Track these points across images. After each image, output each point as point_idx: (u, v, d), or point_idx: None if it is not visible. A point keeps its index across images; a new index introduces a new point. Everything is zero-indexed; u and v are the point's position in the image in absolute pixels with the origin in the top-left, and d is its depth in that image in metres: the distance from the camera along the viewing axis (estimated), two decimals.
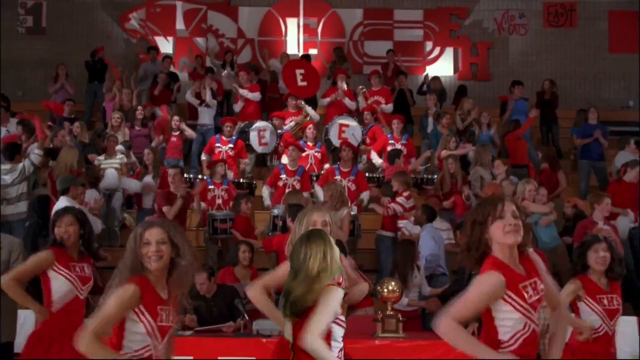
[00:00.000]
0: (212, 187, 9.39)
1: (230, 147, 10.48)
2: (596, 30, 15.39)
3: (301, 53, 14.53)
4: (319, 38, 15.31)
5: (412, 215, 8.57)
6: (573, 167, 12.34)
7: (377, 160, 10.52)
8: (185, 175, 9.46)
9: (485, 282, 3.20)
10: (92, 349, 3.28)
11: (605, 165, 11.41)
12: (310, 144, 10.55)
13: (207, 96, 11.89)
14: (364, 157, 11.01)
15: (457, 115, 11.81)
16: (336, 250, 3.81)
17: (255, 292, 4.16)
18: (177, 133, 11.16)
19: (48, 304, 4.77)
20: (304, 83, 11.90)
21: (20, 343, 5.90)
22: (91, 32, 15.02)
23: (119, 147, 10.18)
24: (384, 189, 9.43)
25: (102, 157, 9.88)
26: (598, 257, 4.83)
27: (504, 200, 3.30)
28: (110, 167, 9.52)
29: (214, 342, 6.01)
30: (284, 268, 4.08)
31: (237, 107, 12.00)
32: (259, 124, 11.09)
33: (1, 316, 5.68)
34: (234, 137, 10.63)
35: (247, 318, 6.36)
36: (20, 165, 8.45)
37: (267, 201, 9.57)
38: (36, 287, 5.63)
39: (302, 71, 11.99)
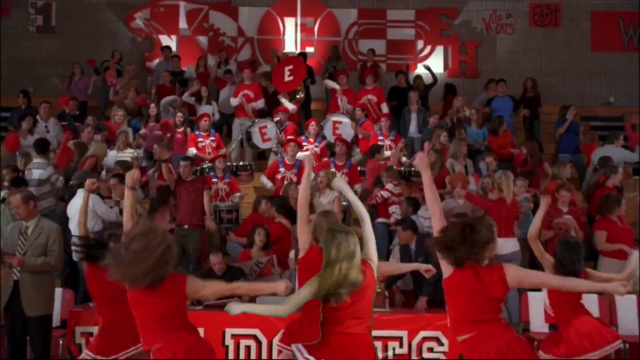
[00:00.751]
0: (215, 180, 9.96)
1: (211, 140, 11.15)
2: (579, 30, 15.81)
3: (298, 51, 14.96)
4: (316, 37, 15.70)
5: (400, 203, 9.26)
6: (554, 161, 13.02)
7: None
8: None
9: None
10: None
11: (582, 158, 12.03)
12: (311, 139, 11.13)
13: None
14: (357, 150, 11.60)
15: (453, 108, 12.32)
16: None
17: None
18: (182, 129, 11.62)
19: None
20: (290, 77, 12.15)
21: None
22: (98, 30, 15.56)
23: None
24: (376, 181, 10.05)
25: (113, 151, 10.35)
26: None
27: None
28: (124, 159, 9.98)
29: (222, 316, 6.22)
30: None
31: (235, 101, 12.30)
32: (259, 122, 11.58)
33: (41, 291, 6.37)
34: (212, 130, 11.32)
35: (250, 295, 7.12)
36: (54, 175, 9.01)
37: (269, 184, 10.21)
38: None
39: (291, 67, 12.23)
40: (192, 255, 8.79)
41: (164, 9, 15.77)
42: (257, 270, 7.83)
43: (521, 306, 7.96)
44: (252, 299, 6.46)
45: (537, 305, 7.80)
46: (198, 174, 9.85)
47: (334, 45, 15.01)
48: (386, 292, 7.03)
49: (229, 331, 6.79)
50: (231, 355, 6.77)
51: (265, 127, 11.49)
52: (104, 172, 9.97)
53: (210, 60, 14.71)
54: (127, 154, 10.32)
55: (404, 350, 6.73)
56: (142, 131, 11.56)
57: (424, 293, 7.23)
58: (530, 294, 8.07)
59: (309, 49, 15.45)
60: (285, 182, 9.77)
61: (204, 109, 12.29)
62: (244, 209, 9.91)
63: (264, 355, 6.77)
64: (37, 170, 8.98)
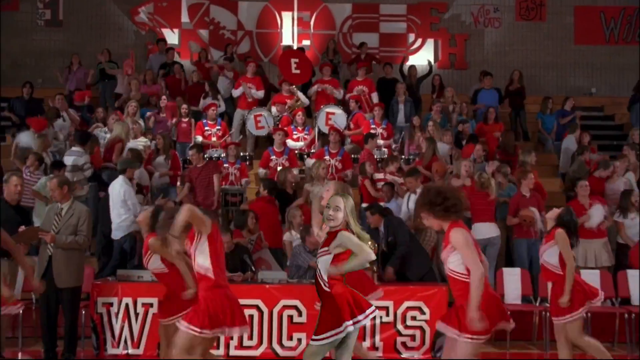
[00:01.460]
0: (227, 165, 10.76)
1: (217, 129, 11.90)
2: (563, 23, 16.51)
3: (295, 44, 15.59)
4: (312, 30, 16.34)
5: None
6: (537, 148, 13.78)
7: None
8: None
9: None
10: None
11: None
12: (300, 128, 11.97)
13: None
14: (349, 139, 12.31)
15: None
16: None
17: None
18: (187, 119, 12.33)
19: None
20: (298, 71, 12.95)
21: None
22: (104, 24, 16.23)
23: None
24: (360, 168, 10.64)
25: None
26: None
27: None
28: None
29: None
30: None
31: (237, 92, 12.98)
32: (256, 110, 12.41)
33: (71, 266, 7.15)
34: (219, 119, 12.07)
35: (253, 269, 7.95)
36: (87, 164, 9.77)
37: (264, 173, 10.93)
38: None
39: (297, 60, 13.03)
40: None
41: (166, 4, 16.42)
42: (251, 248, 8.61)
43: (496, 280, 8.74)
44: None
45: (512, 280, 8.65)
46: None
47: (332, 39, 15.62)
48: (375, 268, 7.84)
49: None
50: None
51: (260, 115, 12.28)
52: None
53: (214, 54, 15.42)
54: (141, 142, 10.86)
55: (390, 318, 7.60)
56: (148, 114, 12.18)
57: (391, 264, 8.12)
58: (505, 270, 8.91)
59: (306, 42, 16.10)
60: (279, 169, 10.51)
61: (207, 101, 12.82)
62: (248, 194, 10.84)
63: (265, 324, 7.53)
64: (71, 157, 9.76)
